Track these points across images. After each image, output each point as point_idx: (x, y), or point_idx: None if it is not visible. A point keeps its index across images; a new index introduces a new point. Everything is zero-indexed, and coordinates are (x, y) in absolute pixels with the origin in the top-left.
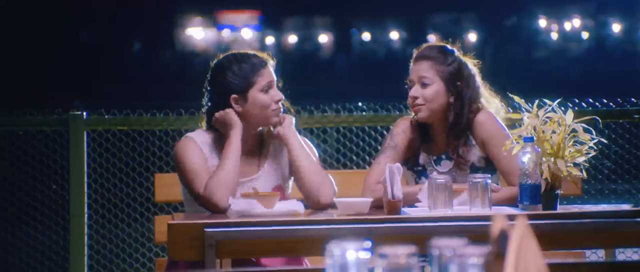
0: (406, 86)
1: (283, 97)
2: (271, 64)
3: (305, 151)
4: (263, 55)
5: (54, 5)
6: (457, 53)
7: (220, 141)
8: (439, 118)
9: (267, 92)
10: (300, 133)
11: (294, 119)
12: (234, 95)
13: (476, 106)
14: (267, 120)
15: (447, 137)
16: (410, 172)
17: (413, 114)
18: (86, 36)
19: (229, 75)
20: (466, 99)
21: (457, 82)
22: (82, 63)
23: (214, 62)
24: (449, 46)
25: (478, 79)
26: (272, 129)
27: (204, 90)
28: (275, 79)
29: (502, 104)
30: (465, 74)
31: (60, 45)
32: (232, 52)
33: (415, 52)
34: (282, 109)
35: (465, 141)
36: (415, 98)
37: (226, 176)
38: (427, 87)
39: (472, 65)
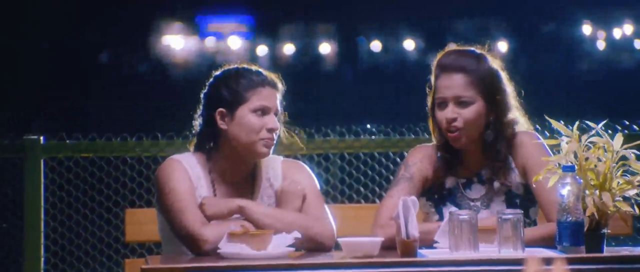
0: (429, 106)
1: (278, 128)
2: (278, 88)
3: (271, 219)
4: (271, 75)
5: (11, 8)
6: (490, 60)
7: (210, 165)
8: (475, 138)
9: (261, 116)
10: (298, 160)
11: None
12: (220, 109)
13: (510, 120)
14: (253, 147)
15: (483, 158)
16: (430, 202)
17: (435, 130)
18: (45, 43)
19: (221, 88)
20: (505, 115)
21: (496, 96)
22: (38, 76)
23: (216, 73)
24: (477, 50)
25: (508, 85)
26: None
27: (197, 106)
28: (277, 107)
29: (529, 121)
30: (501, 84)
31: (15, 54)
32: (235, 65)
33: (438, 58)
34: (275, 142)
35: (502, 162)
36: (453, 120)
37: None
38: (467, 107)
39: (499, 68)
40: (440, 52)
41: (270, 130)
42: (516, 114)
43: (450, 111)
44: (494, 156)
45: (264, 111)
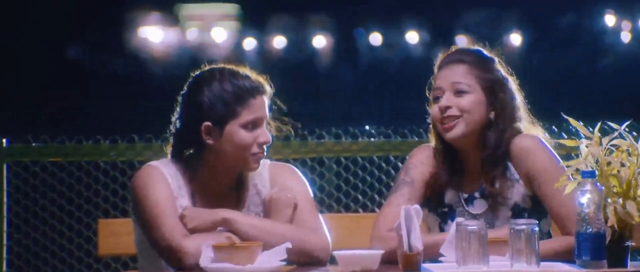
0: (429, 103)
1: (270, 141)
2: (267, 93)
3: (259, 231)
4: (259, 80)
5: None
6: (497, 64)
7: (190, 173)
8: (475, 141)
9: (252, 130)
10: (288, 164)
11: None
12: (206, 123)
13: (515, 129)
14: (244, 163)
15: (482, 166)
16: (433, 214)
17: (434, 136)
18: (5, 36)
19: (206, 95)
20: (508, 117)
21: (500, 93)
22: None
23: (195, 73)
24: (485, 52)
25: (519, 97)
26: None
27: (175, 107)
28: (266, 114)
29: (544, 131)
30: (508, 88)
31: None
32: (220, 66)
33: (441, 57)
34: (265, 153)
35: (503, 172)
36: (448, 108)
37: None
38: (463, 96)
39: (511, 79)
40: (443, 53)
41: (262, 144)
42: (526, 126)
43: (445, 99)
44: (495, 161)
45: (255, 124)
